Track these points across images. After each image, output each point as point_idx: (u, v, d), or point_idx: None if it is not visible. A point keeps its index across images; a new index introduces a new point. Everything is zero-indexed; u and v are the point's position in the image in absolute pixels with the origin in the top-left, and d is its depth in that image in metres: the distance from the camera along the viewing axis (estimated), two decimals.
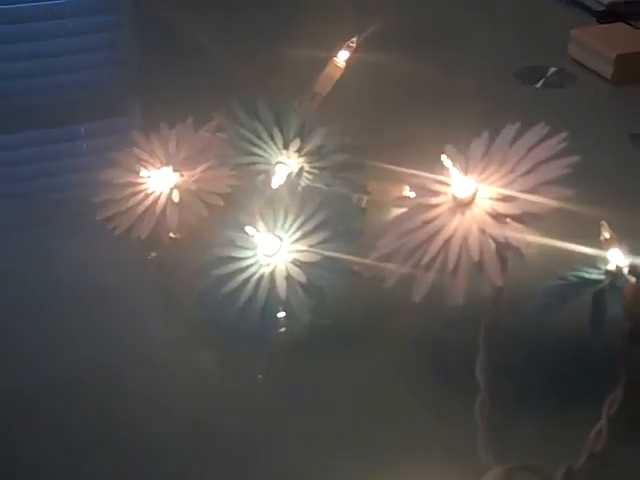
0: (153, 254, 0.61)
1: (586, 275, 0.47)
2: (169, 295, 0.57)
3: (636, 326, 0.46)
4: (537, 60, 0.92)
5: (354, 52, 0.71)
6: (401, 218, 0.49)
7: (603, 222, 0.50)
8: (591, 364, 0.51)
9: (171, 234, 0.61)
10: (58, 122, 0.81)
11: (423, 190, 0.49)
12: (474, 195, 0.46)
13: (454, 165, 0.47)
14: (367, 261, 0.50)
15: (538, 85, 0.88)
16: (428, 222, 0.47)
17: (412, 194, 0.50)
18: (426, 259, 0.46)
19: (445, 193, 0.48)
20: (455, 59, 0.92)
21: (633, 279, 0.45)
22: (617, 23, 0.94)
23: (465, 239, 0.45)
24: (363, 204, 0.56)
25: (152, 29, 0.99)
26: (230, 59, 0.87)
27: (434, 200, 0.48)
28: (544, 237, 0.45)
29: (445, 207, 0.47)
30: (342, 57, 0.71)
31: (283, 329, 0.53)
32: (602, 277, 0.46)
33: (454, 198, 0.47)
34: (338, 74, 0.71)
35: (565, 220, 0.44)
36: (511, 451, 0.45)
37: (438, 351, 0.53)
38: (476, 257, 0.44)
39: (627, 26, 0.93)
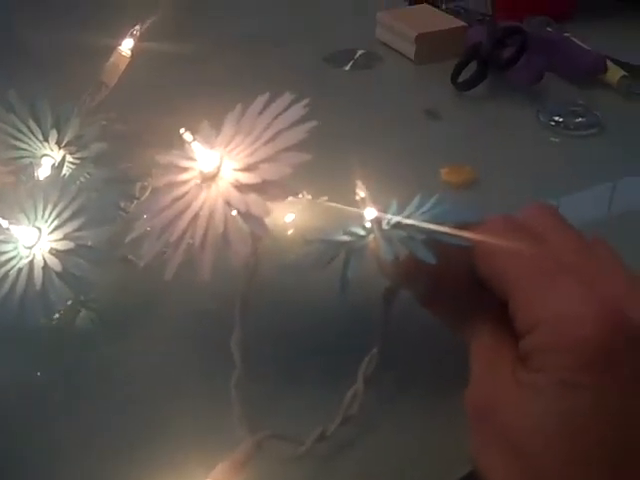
0: None
1: (333, 237, 0.47)
2: None
3: (390, 286, 0.46)
4: (347, 44, 0.94)
5: (139, 40, 0.70)
6: (153, 198, 0.49)
7: (358, 181, 0.49)
8: (346, 326, 0.52)
9: None
10: None
11: (172, 168, 0.49)
12: (218, 168, 0.46)
13: (195, 139, 0.46)
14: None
15: (347, 67, 0.90)
16: (177, 199, 0.46)
17: (162, 172, 0.50)
18: (175, 236, 0.45)
19: (192, 168, 0.47)
20: (252, 46, 0.93)
21: (379, 239, 0.44)
22: (422, 5, 0.97)
23: (211, 213, 0.44)
24: (132, 191, 0.55)
25: None
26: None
27: (182, 177, 0.47)
28: (289, 203, 0.45)
29: (192, 183, 0.47)
30: (127, 46, 0.70)
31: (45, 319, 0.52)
32: (349, 238, 0.45)
33: (200, 173, 0.46)
34: (124, 63, 0.70)
35: (313, 184, 0.44)
36: (268, 423, 0.45)
37: (196, 327, 0.53)
38: (220, 229, 0.43)
39: (431, 7, 0.96)
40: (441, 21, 0.92)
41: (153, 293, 0.54)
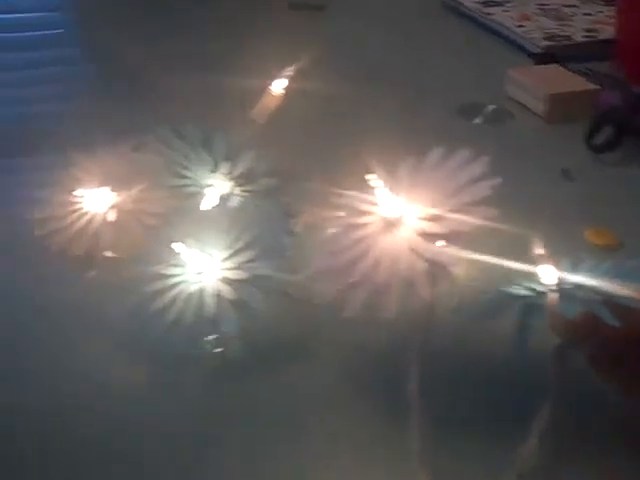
0: (90, 272, 0.62)
1: (513, 291, 0.48)
2: (101, 311, 0.58)
3: (561, 343, 0.47)
4: (477, 97, 0.95)
5: (291, 81, 0.73)
6: (332, 238, 0.50)
7: (535, 239, 0.50)
8: (519, 381, 0.52)
9: (107, 253, 0.61)
10: None
11: (353, 210, 0.51)
12: (402, 215, 0.48)
13: (382, 185, 0.48)
14: (294, 279, 0.51)
15: (477, 121, 0.91)
16: (358, 241, 0.48)
17: (341, 214, 0.52)
18: (357, 277, 0.47)
19: (374, 213, 0.49)
20: (393, 94, 0.95)
21: (556, 296, 0.46)
22: (552, 65, 0.98)
23: (395, 257, 0.46)
24: (292, 225, 0.57)
25: (102, 59, 1.02)
26: (173, 85, 0.89)
27: (363, 220, 0.49)
28: (472, 255, 0.46)
29: (374, 226, 0.49)
30: (279, 85, 0.73)
31: (213, 346, 0.53)
32: (527, 293, 0.47)
33: (383, 218, 0.48)
34: (274, 102, 0.72)
35: (494, 239, 0.45)
36: (445, 469, 0.45)
37: (369, 368, 0.54)
38: (405, 274, 0.45)
39: (561, 68, 0.97)
40: (573, 82, 0.93)
41: (313, 329, 0.56)
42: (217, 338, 0.52)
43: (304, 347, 0.55)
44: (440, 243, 0.46)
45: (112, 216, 0.61)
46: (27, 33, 1.14)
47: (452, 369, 0.53)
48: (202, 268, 0.53)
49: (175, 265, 0.54)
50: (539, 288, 0.47)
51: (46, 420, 0.50)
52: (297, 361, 0.54)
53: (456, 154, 0.50)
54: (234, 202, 0.57)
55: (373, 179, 0.48)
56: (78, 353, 0.56)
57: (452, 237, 0.45)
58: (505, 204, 0.46)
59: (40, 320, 0.58)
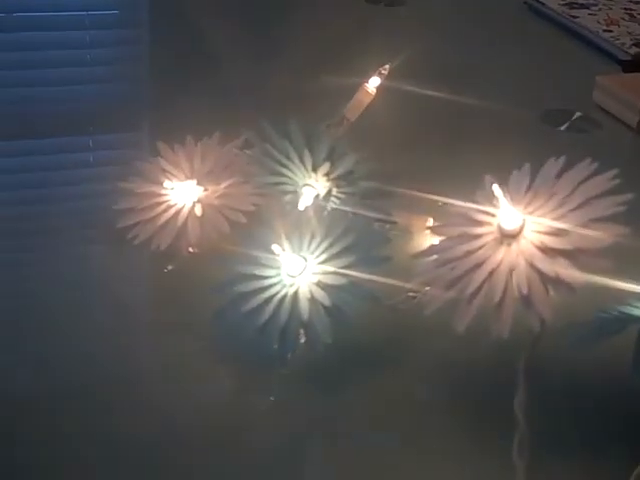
0: (170, 267, 0.60)
1: (632, 311, 0.45)
2: (186, 309, 0.56)
3: None
4: (562, 104, 0.92)
5: (386, 79, 0.71)
6: (442, 247, 0.48)
7: None
8: (633, 404, 0.50)
9: (190, 249, 0.60)
10: (78, 131, 0.81)
11: (465, 219, 0.48)
12: (522, 227, 0.45)
13: (503, 195, 0.46)
14: (397, 286, 0.49)
15: (563, 128, 0.88)
16: (472, 252, 0.46)
17: (451, 222, 0.49)
18: (470, 289, 0.44)
19: (490, 224, 0.47)
20: (479, 98, 0.92)
21: None
22: None
23: (512, 272, 0.43)
24: (390, 232, 0.55)
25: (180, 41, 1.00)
26: (263, 79, 0.87)
27: (478, 230, 0.47)
28: (595, 273, 0.43)
29: (490, 238, 0.46)
30: (373, 83, 0.71)
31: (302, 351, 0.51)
32: None
33: (500, 229, 0.46)
34: (368, 100, 0.70)
35: (616, 258, 0.43)
36: None
37: (472, 383, 0.52)
38: (525, 290, 0.42)
39: None
40: None
41: (409, 338, 0.53)
42: (307, 342, 0.50)
43: (400, 358, 0.53)
44: (562, 260, 0.43)
45: (199, 211, 0.60)
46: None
47: (564, 389, 0.51)
48: (296, 271, 0.52)
49: (268, 266, 0.52)
50: None
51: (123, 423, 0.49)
52: (392, 372, 0.52)
53: (579, 164, 0.48)
54: (332, 204, 0.55)
55: (495, 185, 0.45)
56: (160, 351, 0.54)
57: (577, 254, 0.43)
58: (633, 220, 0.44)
59: (118, 314, 0.57)
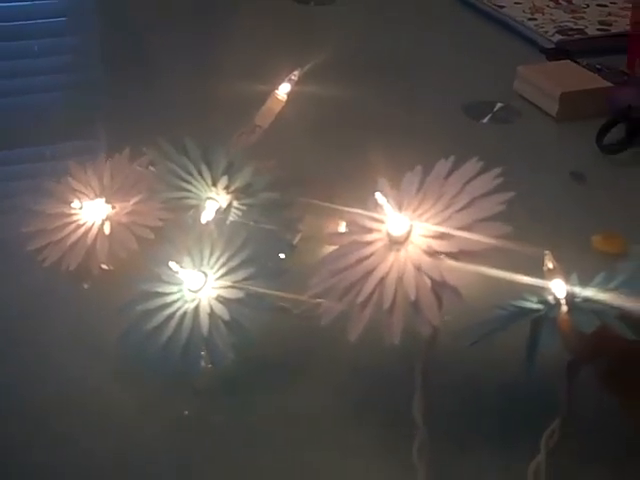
0: (85, 285, 0.61)
1: (525, 304, 0.46)
2: (94, 329, 0.57)
3: (572, 357, 0.45)
4: (485, 95, 0.93)
5: (296, 85, 0.71)
6: (335, 255, 0.48)
7: (547, 252, 0.49)
8: (529, 396, 0.51)
9: (103, 265, 0.60)
10: None
11: (356, 227, 0.48)
12: (409, 232, 0.45)
13: (388, 201, 0.46)
14: (295, 297, 0.50)
15: (485, 120, 0.89)
16: (363, 259, 0.46)
17: (344, 230, 0.50)
18: (361, 297, 0.44)
19: (379, 230, 0.47)
20: (401, 93, 0.93)
21: (567, 309, 0.44)
22: (564, 61, 0.96)
23: (401, 277, 0.44)
24: (293, 241, 0.55)
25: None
26: (175, 91, 0.87)
27: (368, 237, 0.47)
28: (481, 273, 0.44)
29: (380, 244, 0.46)
30: (283, 90, 0.71)
31: (207, 366, 0.52)
32: (540, 306, 0.45)
33: (388, 235, 0.46)
34: (279, 107, 0.70)
35: (502, 254, 0.44)
36: None
37: (373, 390, 0.52)
38: (412, 296, 0.43)
39: (574, 64, 0.94)
40: (585, 79, 0.90)
41: (314, 346, 0.54)
42: (210, 358, 0.51)
43: (300, 368, 0.54)
44: (449, 262, 0.44)
45: (107, 228, 0.60)
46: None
47: (461, 385, 0.51)
48: (197, 286, 0.52)
49: (169, 283, 0.53)
50: (551, 302, 0.45)
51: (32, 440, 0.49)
52: (294, 382, 0.53)
53: (466, 164, 0.48)
54: (232, 216, 0.55)
55: (378, 193, 0.46)
56: (68, 372, 0.54)
57: (462, 256, 0.43)
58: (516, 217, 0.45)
59: (29, 335, 0.57)
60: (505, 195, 0.45)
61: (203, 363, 0.51)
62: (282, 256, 0.53)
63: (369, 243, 0.47)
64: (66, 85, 0.98)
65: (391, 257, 0.46)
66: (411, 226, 0.46)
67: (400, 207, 0.47)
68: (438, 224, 0.45)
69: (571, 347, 0.44)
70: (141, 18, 1.11)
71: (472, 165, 0.48)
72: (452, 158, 0.49)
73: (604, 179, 0.78)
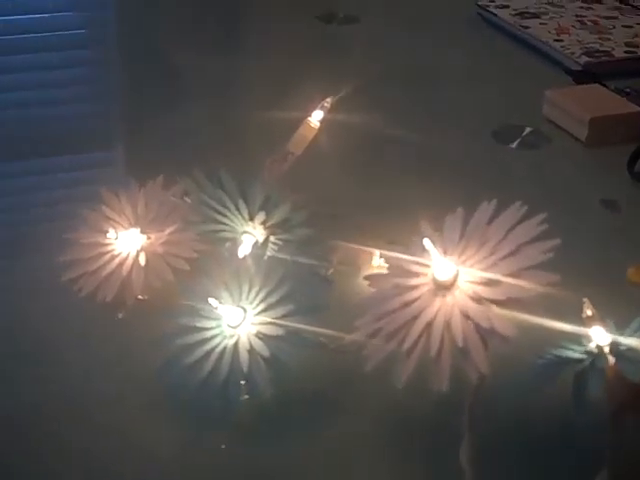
0: (120, 315, 0.60)
1: (567, 354, 0.45)
2: (133, 362, 0.57)
3: (618, 408, 0.45)
4: (513, 119, 0.93)
5: (329, 112, 0.71)
6: (379, 298, 0.48)
7: (585, 299, 0.49)
8: (576, 446, 0.50)
9: (139, 296, 0.60)
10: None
11: (401, 270, 0.48)
12: (455, 278, 0.45)
13: (434, 246, 0.46)
14: (336, 335, 0.50)
15: (514, 145, 0.89)
16: (408, 304, 0.46)
17: (387, 272, 0.49)
18: (408, 343, 0.44)
19: (424, 274, 0.46)
20: (431, 120, 0.93)
21: (614, 359, 0.44)
22: (593, 84, 0.95)
23: (448, 323, 0.43)
24: (330, 278, 0.55)
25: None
26: (207, 116, 0.87)
27: (413, 281, 0.47)
28: (528, 320, 0.44)
29: (425, 289, 0.46)
30: (316, 117, 0.71)
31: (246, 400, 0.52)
32: (583, 356, 0.45)
33: (434, 280, 0.45)
34: (312, 134, 0.70)
35: (547, 300, 0.44)
36: None
37: (420, 436, 0.52)
38: (460, 343, 0.42)
39: (602, 87, 0.94)
40: (614, 104, 0.90)
41: (354, 386, 0.54)
42: (249, 395, 0.51)
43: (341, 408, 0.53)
44: (496, 309, 0.43)
45: (143, 260, 0.60)
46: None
47: (508, 436, 0.51)
48: (235, 322, 0.52)
49: (207, 318, 0.53)
50: (594, 350, 0.45)
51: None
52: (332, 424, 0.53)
53: (510, 209, 0.48)
54: (269, 251, 0.55)
55: (426, 239, 0.45)
56: (105, 404, 0.54)
57: (510, 304, 0.43)
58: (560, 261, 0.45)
59: (65, 366, 0.57)
60: (551, 242, 0.44)
61: (243, 396, 0.51)
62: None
63: (414, 287, 0.47)
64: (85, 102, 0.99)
65: (437, 302, 0.45)
66: (457, 271, 0.45)
67: (445, 252, 0.47)
68: (484, 270, 0.44)
69: (617, 396, 0.43)
70: (164, 36, 1.12)
71: (515, 210, 0.47)
72: (494, 202, 0.48)
73: (637, 207, 0.77)
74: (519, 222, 0.46)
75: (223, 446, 0.52)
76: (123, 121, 0.92)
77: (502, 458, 0.49)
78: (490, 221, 0.47)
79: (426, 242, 0.44)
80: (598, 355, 0.44)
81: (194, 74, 1.00)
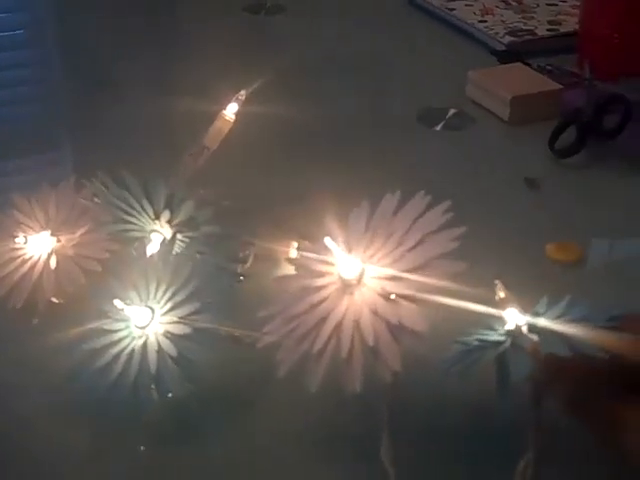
0: (35, 321, 0.59)
1: (484, 338, 0.45)
2: (42, 367, 0.56)
3: (542, 385, 0.44)
4: (438, 101, 0.93)
5: (243, 105, 0.70)
6: (287, 300, 0.47)
7: (497, 281, 0.47)
8: (501, 429, 0.50)
9: (53, 299, 0.59)
10: None
11: (308, 270, 0.47)
12: (361, 275, 0.44)
13: (338, 245, 0.45)
14: (246, 333, 0.49)
15: (438, 128, 0.89)
16: (316, 305, 0.45)
17: (295, 274, 0.49)
18: (318, 345, 0.43)
19: (331, 273, 0.46)
20: (352, 106, 0.92)
21: (534, 337, 0.43)
22: (515, 64, 0.95)
23: (357, 322, 0.43)
24: (239, 274, 0.55)
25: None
26: (135, 113, 0.86)
27: (321, 281, 0.46)
28: (439, 310, 0.43)
29: (333, 288, 0.45)
30: (231, 110, 0.70)
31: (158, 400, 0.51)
32: (501, 338, 0.44)
33: (341, 278, 0.45)
34: (227, 127, 0.70)
35: (460, 288, 0.43)
36: None
37: (338, 437, 0.51)
38: (371, 342, 0.42)
39: (524, 66, 0.94)
40: (536, 82, 0.90)
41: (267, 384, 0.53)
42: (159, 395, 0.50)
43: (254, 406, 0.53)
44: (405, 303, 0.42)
45: (53, 262, 0.59)
46: None
47: (429, 425, 0.50)
48: (143, 322, 0.51)
49: (116, 320, 0.52)
50: (513, 331, 0.44)
51: None
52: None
53: (414, 198, 0.47)
54: (177, 248, 0.54)
55: (328, 238, 0.44)
56: (16, 412, 0.53)
57: (418, 297, 0.42)
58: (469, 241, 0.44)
59: None
60: (457, 230, 0.44)
61: (153, 398, 0.50)
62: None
63: (321, 287, 0.46)
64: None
65: (345, 301, 0.44)
66: (363, 268, 0.45)
67: (350, 247, 0.46)
68: (390, 264, 0.43)
69: (539, 373, 0.43)
70: (92, 32, 1.10)
71: (420, 199, 0.47)
72: (398, 193, 0.48)
73: (558, 184, 0.78)
74: (424, 211, 0.45)
75: (142, 448, 0.52)
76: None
77: (423, 452, 0.48)
78: (395, 212, 0.46)
79: (328, 241, 0.44)
80: (516, 335, 0.43)
81: (124, 74, 0.98)
